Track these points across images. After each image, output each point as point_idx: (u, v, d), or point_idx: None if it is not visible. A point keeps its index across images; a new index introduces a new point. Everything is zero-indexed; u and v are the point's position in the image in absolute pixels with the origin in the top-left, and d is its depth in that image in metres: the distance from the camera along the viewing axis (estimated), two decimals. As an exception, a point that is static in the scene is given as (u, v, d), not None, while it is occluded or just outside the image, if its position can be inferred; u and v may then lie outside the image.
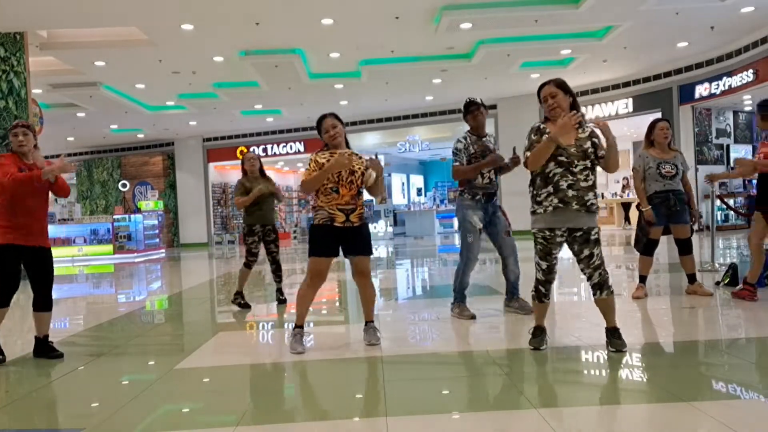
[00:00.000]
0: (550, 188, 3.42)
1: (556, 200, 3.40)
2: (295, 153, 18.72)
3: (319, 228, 3.81)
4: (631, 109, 14.68)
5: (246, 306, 5.80)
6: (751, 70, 11.69)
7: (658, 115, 13.25)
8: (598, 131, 3.49)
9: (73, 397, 3.26)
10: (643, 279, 5.36)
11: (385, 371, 3.33)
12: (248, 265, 5.82)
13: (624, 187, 17.61)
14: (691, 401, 2.60)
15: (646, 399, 2.80)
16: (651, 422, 2.52)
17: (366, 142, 19.15)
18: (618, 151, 3.49)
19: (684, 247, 5.25)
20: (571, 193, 3.38)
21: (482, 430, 2.49)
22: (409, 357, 3.70)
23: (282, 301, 5.90)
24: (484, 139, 4.71)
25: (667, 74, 13.78)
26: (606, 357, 3.42)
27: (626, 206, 17.06)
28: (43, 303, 4.06)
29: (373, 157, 3.98)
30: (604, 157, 3.48)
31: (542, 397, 2.83)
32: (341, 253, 3.92)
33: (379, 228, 18.79)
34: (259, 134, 19.27)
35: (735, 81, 12.23)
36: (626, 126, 16.50)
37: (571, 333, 4.05)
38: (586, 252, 3.45)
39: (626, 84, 14.62)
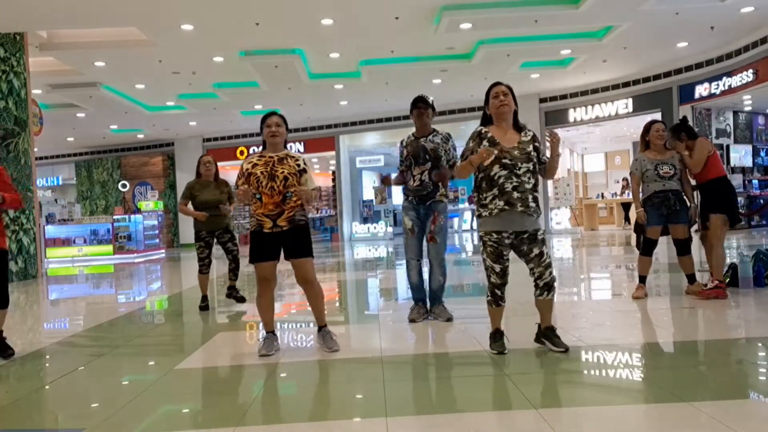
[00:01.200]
0: (496, 191, 3.45)
1: (501, 203, 3.42)
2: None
3: (253, 234, 3.85)
4: (631, 109, 14.69)
5: (207, 309, 5.85)
6: (751, 70, 11.69)
7: (658, 115, 13.29)
8: (546, 141, 3.52)
9: (73, 397, 3.25)
10: (642, 279, 5.37)
11: (385, 371, 3.32)
12: (200, 271, 5.89)
13: (624, 188, 17.63)
14: (691, 401, 2.59)
15: (646, 399, 2.80)
16: (651, 422, 2.52)
17: (366, 142, 19.16)
18: (558, 164, 3.59)
19: (682, 248, 5.25)
20: (516, 195, 3.41)
21: (482, 430, 2.49)
22: (409, 357, 3.70)
23: (240, 299, 5.95)
24: (422, 139, 4.63)
25: (667, 74, 13.79)
26: (606, 357, 3.42)
27: (626, 206, 17.08)
28: (2, 300, 4.06)
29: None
30: (545, 164, 3.57)
31: (542, 397, 2.82)
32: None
33: (378, 228, 18.81)
34: (258, 134, 19.06)
35: (735, 81, 12.23)
36: (626, 126, 16.54)
37: (570, 333, 4.04)
38: (536, 251, 3.47)
39: (626, 84, 14.63)
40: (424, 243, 4.71)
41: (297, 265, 3.84)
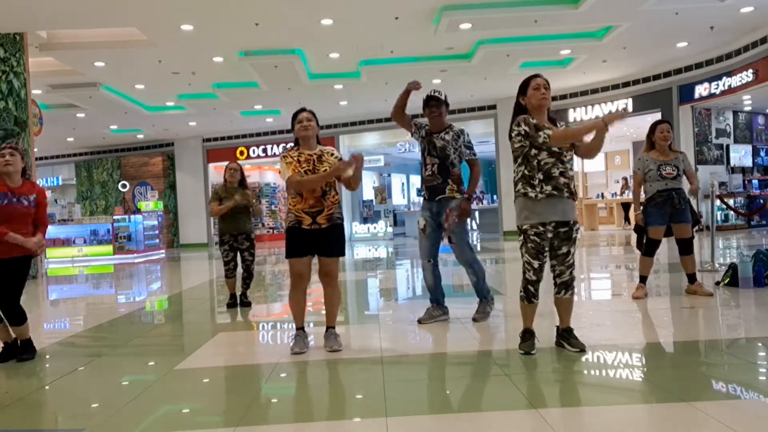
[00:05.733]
0: (541, 175, 3.46)
1: (549, 188, 3.44)
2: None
3: (289, 230, 3.87)
4: (630, 109, 14.66)
5: (235, 306, 5.95)
6: (750, 70, 11.69)
7: (658, 115, 13.28)
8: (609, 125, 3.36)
9: (73, 398, 3.26)
10: (643, 279, 5.37)
11: (385, 371, 3.33)
12: (226, 276, 6.00)
13: (623, 187, 17.62)
14: (691, 401, 2.60)
15: (646, 399, 2.80)
16: (651, 422, 2.52)
17: (366, 142, 19.17)
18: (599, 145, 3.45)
19: (685, 247, 5.25)
20: (562, 180, 3.45)
21: (482, 430, 2.49)
22: (409, 357, 3.70)
23: (245, 304, 5.97)
24: (435, 135, 4.49)
25: (667, 74, 13.78)
26: (606, 357, 3.42)
27: (626, 206, 17.07)
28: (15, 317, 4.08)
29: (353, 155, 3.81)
30: (580, 145, 3.53)
31: (542, 397, 2.83)
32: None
33: (378, 228, 18.81)
34: (258, 134, 19.27)
35: (735, 81, 12.23)
36: (626, 126, 16.51)
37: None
38: (564, 249, 3.50)
39: (626, 84, 14.62)
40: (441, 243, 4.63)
41: (326, 262, 3.89)
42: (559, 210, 3.46)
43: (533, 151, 3.47)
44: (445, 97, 4.54)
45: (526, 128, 3.47)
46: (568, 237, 3.49)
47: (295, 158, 3.82)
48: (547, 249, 3.52)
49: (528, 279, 3.55)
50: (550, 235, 3.49)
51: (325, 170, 3.78)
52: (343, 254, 3.95)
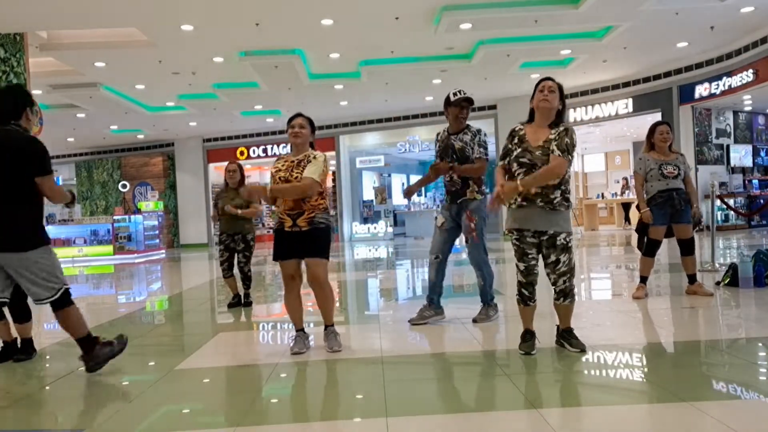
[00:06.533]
0: None
1: (519, 198, 3.45)
2: (295, 153, 18.71)
3: (275, 232, 3.91)
4: (631, 109, 14.68)
5: (239, 305, 5.96)
6: (751, 70, 11.69)
7: (658, 115, 13.29)
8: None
9: (73, 397, 3.26)
10: (643, 279, 5.36)
11: (385, 371, 3.33)
12: (224, 276, 6.02)
13: (623, 187, 17.62)
14: (691, 401, 2.60)
15: (646, 399, 2.81)
16: (651, 422, 2.52)
17: (366, 142, 19.18)
18: (542, 177, 3.35)
19: (686, 248, 5.24)
20: (534, 190, 3.39)
21: (482, 430, 2.49)
22: (409, 357, 3.71)
23: (248, 304, 5.99)
24: (453, 137, 4.52)
25: (667, 74, 13.78)
26: (606, 357, 3.42)
27: (626, 206, 17.07)
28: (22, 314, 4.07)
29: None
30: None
31: (542, 397, 2.83)
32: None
33: (379, 228, 18.80)
34: (259, 135, 19.27)
35: (735, 81, 12.22)
36: (626, 126, 16.53)
37: (571, 333, 4.04)
38: (552, 257, 3.46)
39: (626, 84, 14.62)
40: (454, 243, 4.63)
41: (309, 264, 3.85)
42: (532, 220, 3.44)
43: (507, 161, 3.53)
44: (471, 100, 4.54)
45: (506, 142, 3.62)
46: (552, 245, 3.44)
47: (275, 169, 3.90)
48: (530, 253, 3.50)
49: (519, 281, 3.56)
50: (531, 240, 3.47)
51: (297, 177, 3.76)
52: (325, 256, 3.88)
